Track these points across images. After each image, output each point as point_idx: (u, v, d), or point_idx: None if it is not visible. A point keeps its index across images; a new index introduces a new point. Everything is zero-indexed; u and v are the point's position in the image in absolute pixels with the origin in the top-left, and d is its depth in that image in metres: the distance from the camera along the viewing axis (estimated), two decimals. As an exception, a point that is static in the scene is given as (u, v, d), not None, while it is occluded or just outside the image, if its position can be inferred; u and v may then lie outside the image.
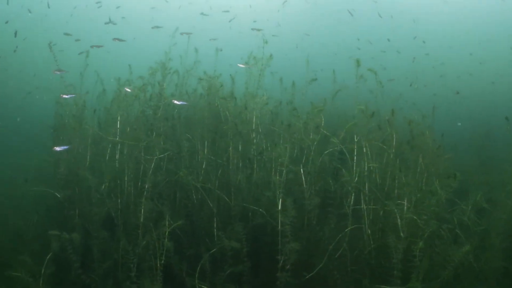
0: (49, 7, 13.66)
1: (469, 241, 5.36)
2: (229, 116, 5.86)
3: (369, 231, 5.58)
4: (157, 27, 9.43)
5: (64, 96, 7.06)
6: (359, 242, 5.58)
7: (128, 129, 5.67)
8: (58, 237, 4.96)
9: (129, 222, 5.55)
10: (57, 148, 5.80)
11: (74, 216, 5.62)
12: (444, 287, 5.11)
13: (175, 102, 6.27)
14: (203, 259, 5.39)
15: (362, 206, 5.58)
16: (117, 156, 5.64)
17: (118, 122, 5.66)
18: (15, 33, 9.92)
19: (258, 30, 7.97)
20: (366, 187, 5.66)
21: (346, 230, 5.45)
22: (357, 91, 6.82)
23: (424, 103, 6.85)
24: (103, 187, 5.33)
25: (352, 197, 5.59)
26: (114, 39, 10.26)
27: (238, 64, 6.74)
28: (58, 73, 8.23)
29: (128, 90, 6.74)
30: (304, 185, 5.24)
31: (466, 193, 6.19)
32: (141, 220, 5.00)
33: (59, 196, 5.47)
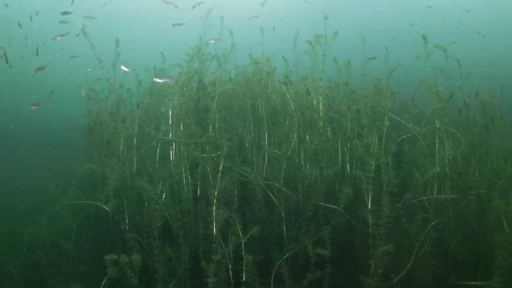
0: (72, 4, 11.92)
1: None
2: (291, 103, 4.76)
3: (453, 224, 4.73)
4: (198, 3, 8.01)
5: (33, 107, 5.81)
6: (442, 236, 4.74)
7: (182, 126, 4.49)
8: (115, 260, 3.83)
9: (190, 232, 4.49)
10: None
11: (125, 230, 4.47)
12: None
13: (157, 80, 5.07)
14: (276, 266, 4.43)
15: (446, 197, 4.71)
16: (171, 157, 4.47)
17: (170, 118, 4.47)
18: (37, 52, 8.46)
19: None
20: (448, 175, 4.77)
21: (431, 223, 4.58)
22: (415, 71, 5.82)
23: (488, 81, 5.95)
24: (163, 196, 4.18)
25: (435, 188, 4.72)
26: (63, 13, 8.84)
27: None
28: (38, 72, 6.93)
29: (126, 69, 5.49)
30: (394, 179, 4.27)
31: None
32: (214, 232, 3.93)
33: (107, 209, 4.30)
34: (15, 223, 5.28)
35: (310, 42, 4.77)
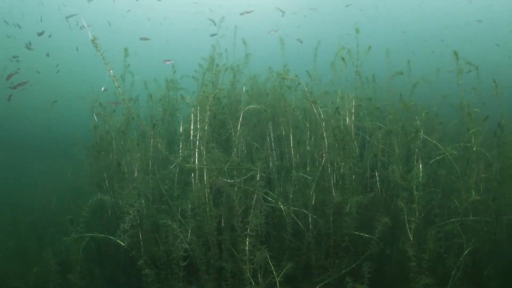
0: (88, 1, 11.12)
1: None
2: (322, 122, 4.23)
3: (486, 250, 4.37)
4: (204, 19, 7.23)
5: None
6: (475, 262, 4.38)
7: (204, 151, 3.88)
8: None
9: (213, 266, 3.93)
10: None
11: (142, 265, 3.86)
12: None
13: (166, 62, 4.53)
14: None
15: (479, 219, 4.34)
16: (193, 186, 3.87)
17: (191, 141, 3.85)
18: (19, 84, 7.73)
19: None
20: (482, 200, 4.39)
21: (465, 251, 4.20)
22: (437, 85, 5.40)
23: None
24: (188, 233, 3.58)
25: (471, 213, 4.32)
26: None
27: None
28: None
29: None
30: (436, 209, 3.84)
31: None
32: (248, 273, 3.39)
33: (123, 244, 3.67)
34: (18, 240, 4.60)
35: (343, 58, 4.23)
